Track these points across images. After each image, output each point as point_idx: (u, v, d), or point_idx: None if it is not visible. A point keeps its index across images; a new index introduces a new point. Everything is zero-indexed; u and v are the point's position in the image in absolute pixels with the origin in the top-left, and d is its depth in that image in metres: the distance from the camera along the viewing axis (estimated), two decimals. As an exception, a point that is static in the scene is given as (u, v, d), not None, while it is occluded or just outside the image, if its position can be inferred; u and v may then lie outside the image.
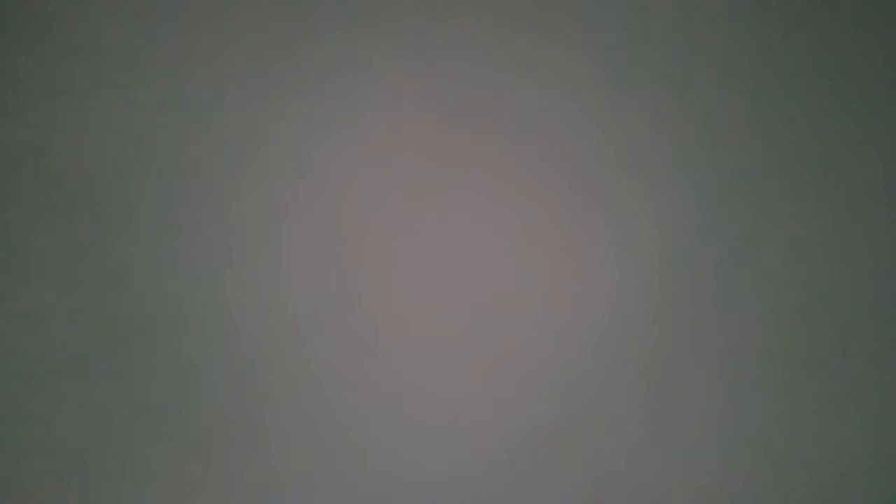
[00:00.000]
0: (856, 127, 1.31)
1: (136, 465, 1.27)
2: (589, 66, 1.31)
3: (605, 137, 1.31)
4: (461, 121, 1.30)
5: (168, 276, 1.28)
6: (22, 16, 1.30)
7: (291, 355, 1.28)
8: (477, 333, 1.29)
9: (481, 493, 1.28)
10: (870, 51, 1.32)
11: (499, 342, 1.29)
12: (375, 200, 1.30)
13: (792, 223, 1.30)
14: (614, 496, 1.28)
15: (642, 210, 1.30)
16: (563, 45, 1.31)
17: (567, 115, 1.31)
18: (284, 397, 1.27)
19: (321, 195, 1.29)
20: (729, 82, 1.31)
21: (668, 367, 1.29)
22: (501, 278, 1.29)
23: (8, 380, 1.27)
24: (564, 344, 1.29)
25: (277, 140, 1.30)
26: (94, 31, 1.30)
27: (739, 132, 1.31)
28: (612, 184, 1.30)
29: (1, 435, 1.27)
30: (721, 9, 1.32)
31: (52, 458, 1.27)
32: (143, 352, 1.27)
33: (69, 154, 1.29)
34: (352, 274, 1.29)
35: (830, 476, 1.29)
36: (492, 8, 1.31)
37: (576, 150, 1.30)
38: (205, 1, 1.31)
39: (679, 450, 1.28)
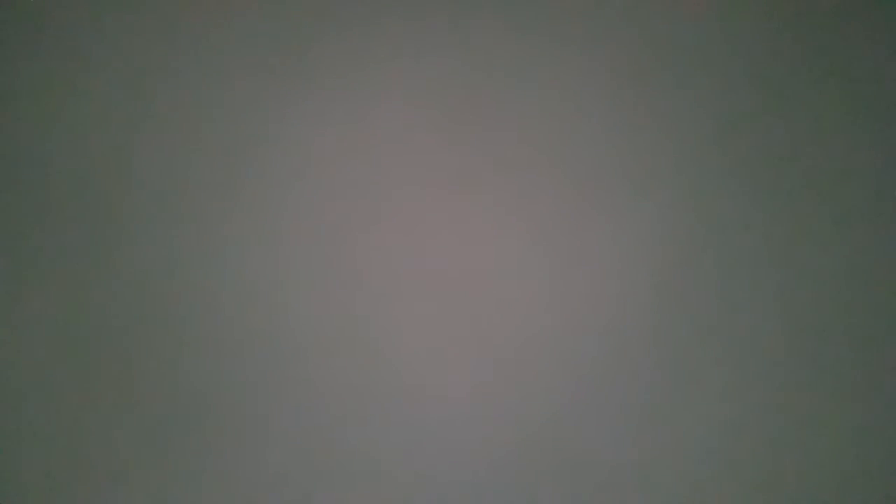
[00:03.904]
0: (858, 128, 1.31)
1: (136, 467, 1.27)
2: (591, 67, 1.31)
3: (607, 138, 1.31)
4: (462, 121, 1.30)
5: (167, 278, 1.28)
6: (21, 16, 1.30)
7: (291, 356, 1.28)
8: (477, 333, 1.29)
9: (481, 492, 1.28)
10: (871, 52, 1.32)
11: (499, 342, 1.29)
12: (375, 200, 1.29)
13: (794, 225, 1.30)
14: (614, 497, 1.28)
15: (644, 211, 1.30)
16: (565, 46, 1.31)
17: (568, 116, 1.31)
18: (284, 398, 1.28)
19: (321, 195, 1.29)
20: (730, 84, 1.31)
21: (668, 367, 1.29)
22: (501, 278, 1.29)
23: (7, 381, 1.27)
24: (565, 344, 1.29)
25: (278, 140, 1.30)
26: (93, 31, 1.30)
27: (741, 133, 1.31)
28: (614, 184, 1.30)
29: (1, 436, 1.27)
30: (722, 10, 1.32)
31: (51, 460, 1.27)
32: (142, 353, 1.27)
33: (68, 155, 1.29)
34: (352, 273, 1.29)
35: (831, 478, 1.29)
36: (494, 8, 1.31)
37: (577, 150, 1.30)
38: (205, 1, 1.30)
39: (679, 450, 1.28)
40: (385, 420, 1.28)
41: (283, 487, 1.27)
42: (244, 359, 1.28)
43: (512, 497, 1.28)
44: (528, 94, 1.30)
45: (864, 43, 1.32)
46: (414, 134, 1.30)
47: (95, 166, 1.29)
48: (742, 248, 1.30)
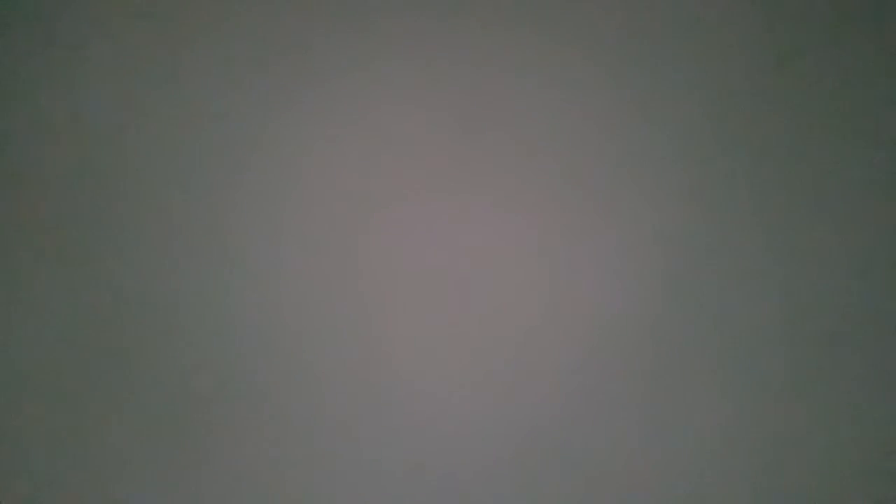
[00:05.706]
0: (859, 131, 1.31)
1: (135, 466, 1.27)
2: (593, 68, 1.31)
3: (608, 141, 1.31)
4: (462, 122, 1.30)
5: (167, 276, 1.28)
6: (21, 16, 1.30)
7: (291, 356, 1.28)
8: (477, 335, 1.29)
9: (480, 492, 1.28)
10: (872, 53, 1.32)
11: (499, 343, 1.29)
12: (376, 201, 1.30)
13: (795, 228, 1.30)
14: (614, 497, 1.28)
15: (645, 213, 1.30)
16: (566, 47, 1.31)
17: (570, 118, 1.31)
18: (284, 398, 1.27)
19: (322, 196, 1.29)
20: (731, 85, 1.31)
21: (667, 369, 1.29)
22: (502, 280, 1.29)
23: (8, 380, 1.27)
24: (565, 346, 1.29)
25: (278, 140, 1.30)
26: (93, 30, 1.30)
27: (743, 136, 1.31)
28: (615, 187, 1.30)
29: (1, 434, 1.27)
30: (723, 10, 1.32)
31: (50, 459, 1.27)
32: (142, 352, 1.27)
33: (67, 154, 1.29)
34: (352, 275, 1.29)
35: (832, 477, 1.28)
36: (495, 9, 1.31)
37: (578, 153, 1.30)
38: (205, 1, 1.31)
39: (678, 452, 1.28)
40: (385, 419, 1.28)
41: (282, 485, 1.27)
42: (243, 358, 1.28)
43: (512, 496, 1.28)
44: (528, 94, 1.30)
45: (868, 45, 1.32)
46: (414, 133, 1.30)
47: (95, 165, 1.29)
48: (745, 251, 1.30)
